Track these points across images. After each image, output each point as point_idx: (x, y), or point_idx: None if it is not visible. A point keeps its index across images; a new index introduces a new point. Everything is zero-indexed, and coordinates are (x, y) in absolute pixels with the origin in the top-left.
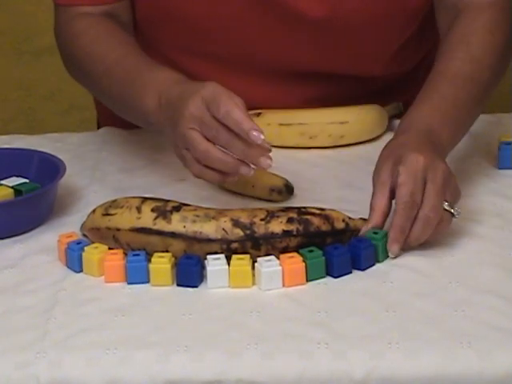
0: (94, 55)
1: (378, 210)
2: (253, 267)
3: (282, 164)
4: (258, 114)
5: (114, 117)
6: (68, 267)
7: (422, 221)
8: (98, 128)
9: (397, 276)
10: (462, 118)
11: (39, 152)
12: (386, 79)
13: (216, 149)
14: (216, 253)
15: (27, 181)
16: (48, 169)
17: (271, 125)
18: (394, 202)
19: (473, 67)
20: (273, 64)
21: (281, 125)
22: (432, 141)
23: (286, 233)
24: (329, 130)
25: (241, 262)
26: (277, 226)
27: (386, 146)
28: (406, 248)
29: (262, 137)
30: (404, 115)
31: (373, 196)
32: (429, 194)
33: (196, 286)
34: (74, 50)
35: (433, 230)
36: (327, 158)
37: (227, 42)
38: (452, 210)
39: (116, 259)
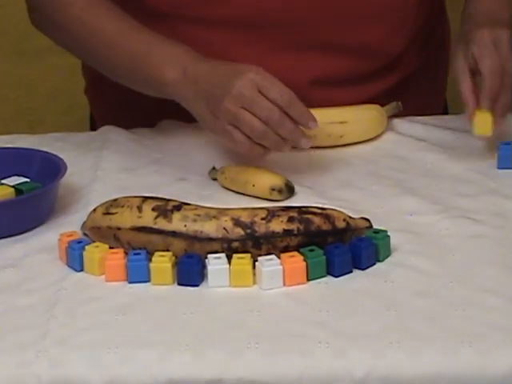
0: (88, 25)
1: (468, 92)
2: (253, 266)
3: (283, 163)
4: None
5: (111, 115)
6: (69, 266)
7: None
8: (91, 126)
9: (397, 275)
10: None
11: (40, 151)
12: (390, 55)
13: (270, 129)
14: (217, 252)
15: (28, 180)
16: (49, 168)
17: None
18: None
19: None
20: (283, 31)
21: None
22: (492, 18)
23: (287, 232)
24: (328, 129)
25: (241, 261)
26: (277, 226)
27: (454, 40)
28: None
29: (316, 124)
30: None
31: (459, 83)
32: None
33: (197, 285)
34: (63, 17)
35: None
36: (327, 158)
37: (239, 4)
38: None
39: (117, 258)
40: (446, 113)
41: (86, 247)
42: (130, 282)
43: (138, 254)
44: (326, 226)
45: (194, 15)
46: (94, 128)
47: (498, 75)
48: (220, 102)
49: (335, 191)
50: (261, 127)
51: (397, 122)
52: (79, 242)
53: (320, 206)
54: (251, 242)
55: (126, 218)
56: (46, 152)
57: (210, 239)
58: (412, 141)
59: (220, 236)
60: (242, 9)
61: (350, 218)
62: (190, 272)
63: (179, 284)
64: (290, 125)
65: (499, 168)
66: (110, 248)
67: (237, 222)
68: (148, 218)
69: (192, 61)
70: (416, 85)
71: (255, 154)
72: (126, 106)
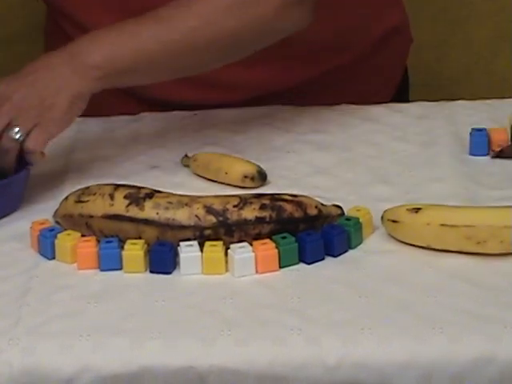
0: None
1: None
2: (226, 254)
3: (256, 151)
4: None
5: None
6: (40, 254)
7: None
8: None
9: (369, 262)
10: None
11: None
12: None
13: None
14: (189, 239)
15: None
16: (20, 157)
17: None
18: None
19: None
20: None
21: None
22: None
23: (259, 219)
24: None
25: (214, 248)
26: (250, 213)
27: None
28: None
29: None
30: None
31: None
32: None
33: (169, 273)
34: None
35: None
36: (302, 145)
37: None
38: (16, 137)
39: (89, 246)
40: (402, 97)
41: (58, 235)
42: (102, 270)
43: (110, 241)
44: (298, 214)
45: None
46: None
47: None
48: None
49: (309, 178)
50: None
51: (373, 109)
52: (51, 230)
53: (293, 193)
54: (223, 230)
55: (97, 206)
56: None
57: (182, 227)
58: (387, 129)
59: (192, 224)
60: None
61: (322, 205)
62: (163, 260)
63: (151, 272)
64: None
65: (471, 154)
66: (82, 236)
67: (209, 210)
68: (120, 205)
69: None
70: (367, 68)
71: None
72: None
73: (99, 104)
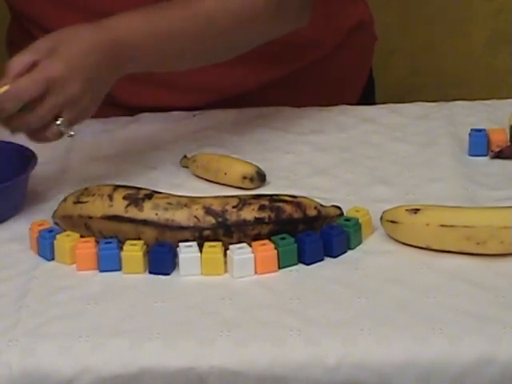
0: None
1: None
2: (225, 255)
3: (255, 151)
4: None
5: None
6: (40, 255)
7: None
8: None
9: (368, 263)
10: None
11: (11, 143)
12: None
13: None
14: (188, 240)
15: None
16: (20, 160)
17: None
18: None
19: None
20: None
21: None
22: (115, 42)
23: (258, 220)
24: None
25: (213, 249)
26: (249, 214)
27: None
28: None
29: None
30: None
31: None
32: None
33: (168, 274)
34: None
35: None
36: (301, 146)
37: None
38: (62, 129)
39: (88, 247)
40: (368, 99)
41: (57, 236)
42: (101, 271)
43: (110, 242)
44: (297, 214)
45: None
46: None
47: (12, 102)
48: None
49: (308, 179)
50: None
51: (372, 109)
52: (50, 231)
53: (292, 194)
54: (222, 231)
55: (96, 207)
56: (17, 144)
57: (182, 228)
58: (387, 129)
59: (191, 224)
60: None
61: (322, 206)
62: (162, 260)
63: (150, 273)
64: None
65: (470, 155)
66: (81, 237)
67: (208, 211)
68: (119, 206)
69: None
70: (333, 67)
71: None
72: None
73: None
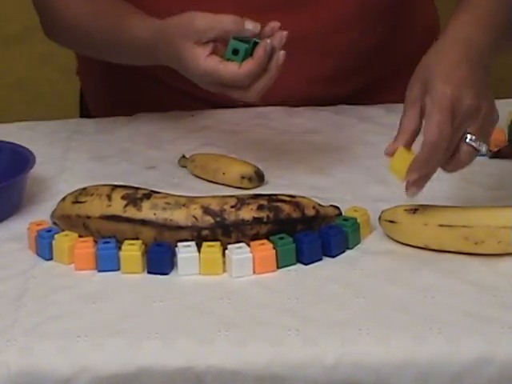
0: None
1: (406, 129)
2: (223, 254)
3: (254, 151)
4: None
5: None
6: (38, 255)
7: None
8: (81, 114)
9: (367, 262)
10: (498, 25)
11: (9, 143)
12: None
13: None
14: (186, 240)
15: None
16: (18, 160)
17: None
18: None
19: None
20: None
21: None
22: (471, 49)
23: (257, 220)
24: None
25: (211, 249)
26: (247, 213)
27: (424, 57)
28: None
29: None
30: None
31: (403, 114)
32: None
33: (166, 274)
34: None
35: (446, 161)
36: (299, 145)
37: None
38: (473, 144)
39: (86, 247)
40: None
41: (56, 236)
42: (99, 271)
43: (108, 242)
44: (295, 214)
45: None
46: (84, 113)
47: (437, 150)
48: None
49: (306, 179)
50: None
51: (370, 109)
52: (48, 231)
53: (290, 194)
54: (221, 230)
55: (95, 207)
56: (15, 144)
57: (180, 227)
58: (385, 129)
59: (190, 224)
60: None
61: (320, 205)
62: (160, 260)
63: (149, 272)
64: None
65: None
66: (80, 237)
67: (206, 210)
68: (117, 206)
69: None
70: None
71: (264, 88)
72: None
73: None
